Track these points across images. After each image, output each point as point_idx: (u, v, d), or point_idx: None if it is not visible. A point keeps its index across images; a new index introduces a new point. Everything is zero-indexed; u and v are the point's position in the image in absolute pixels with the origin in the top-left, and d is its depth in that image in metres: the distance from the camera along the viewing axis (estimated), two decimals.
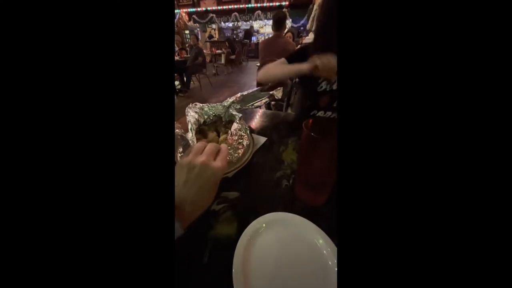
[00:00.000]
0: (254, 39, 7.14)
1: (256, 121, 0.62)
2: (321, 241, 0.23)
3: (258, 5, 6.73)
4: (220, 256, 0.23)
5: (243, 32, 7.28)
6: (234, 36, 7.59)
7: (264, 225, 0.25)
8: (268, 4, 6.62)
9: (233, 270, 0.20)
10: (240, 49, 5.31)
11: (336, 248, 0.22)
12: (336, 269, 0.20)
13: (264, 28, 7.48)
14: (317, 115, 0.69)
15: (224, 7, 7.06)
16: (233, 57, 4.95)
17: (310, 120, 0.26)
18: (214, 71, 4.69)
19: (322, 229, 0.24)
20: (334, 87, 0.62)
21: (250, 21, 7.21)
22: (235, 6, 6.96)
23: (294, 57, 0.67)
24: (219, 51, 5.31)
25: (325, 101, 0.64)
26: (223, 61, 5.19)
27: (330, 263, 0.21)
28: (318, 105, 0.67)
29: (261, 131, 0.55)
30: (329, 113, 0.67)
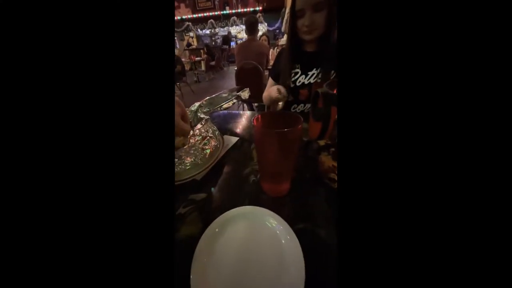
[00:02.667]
0: (232, 44, 7.22)
1: (231, 122, 0.63)
2: (279, 227, 0.24)
3: (233, 11, 6.85)
4: (185, 256, 0.23)
5: (221, 38, 7.32)
6: (213, 43, 7.60)
7: (217, 228, 0.25)
8: (242, 10, 6.77)
9: (191, 269, 0.21)
10: (220, 55, 5.34)
11: (293, 234, 0.23)
12: (288, 245, 0.22)
13: (241, 33, 7.61)
14: (297, 109, 0.72)
15: (200, 14, 7.08)
16: (213, 63, 4.96)
17: (259, 116, 0.28)
18: (195, 79, 4.64)
19: (283, 215, 0.25)
20: (312, 80, 0.65)
21: (227, 27, 7.29)
22: (210, 14, 7.02)
23: (273, 71, 0.77)
24: (198, 58, 5.29)
25: (304, 95, 0.67)
26: (203, 68, 5.16)
27: (283, 241, 0.22)
28: (298, 99, 0.70)
29: (236, 132, 0.56)
30: (308, 106, 0.70)
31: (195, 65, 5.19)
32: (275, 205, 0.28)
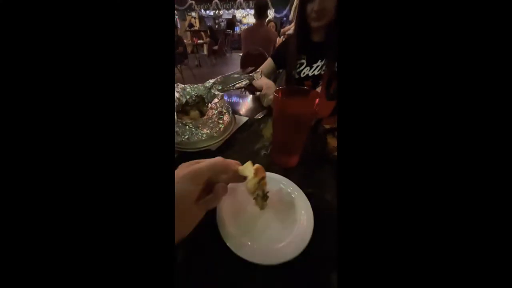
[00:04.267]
0: (237, 29, 6.93)
1: (240, 103, 0.65)
2: (291, 188, 0.28)
3: None
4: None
5: (225, 22, 7.00)
6: (216, 26, 7.27)
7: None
8: None
9: (216, 216, 0.24)
10: (223, 39, 5.14)
11: (302, 192, 0.26)
12: (299, 199, 0.25)
13: (247, 18, 7.29)
14: None
15: None
16: (215, 47, 4.78)
17: (280, 90, 0.30)
18: (196, 63, 4.50)
19: (294, 181, 0.29)
20: (316, 72, 0.65)
21: (232, 9, 6.94)
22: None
23: (276, 55, 0.75)
24: (200, 41, 5.08)
25: (308, 86, 0.68)
26: (205, 51, 4.98)
27: (296, 200, 0.26)
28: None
29: (244, 112, 0.58)
30: None
31: (197, 48, 5.00)
32: (286, 174, 0.32)
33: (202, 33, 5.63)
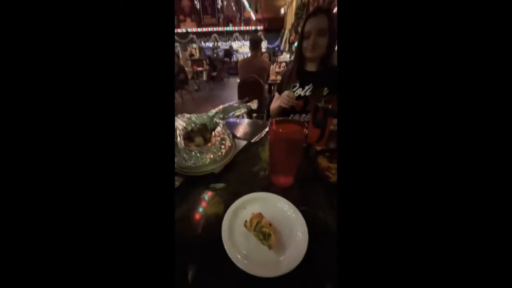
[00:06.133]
0: (233, 57, 7.60)
1: (239, 129, 0.71)
2: (286, 206, 0.31)
3: (236, 28, 7.28)
4: (211, 229, 0.29)
5: (222, 51, 7.71)
6: (215, 55, 7.97)
7: (243, 203, 0.32)
8: (245, 28, 7.22)
9: (222, 232, 0.27)
10: (221, 67, 5.60)
11: (297, 210, 0.30)
12: (295, 217, 0.28)
13: (242, 48, 8.05)
14: (294, 118, 0.82)
15: (204, 29, 7.47)
16: (214, 74, 5.18)
17: (273, 121, 0.36)
18: (196, 87, 4.79)
19: (289, 200, 0.32)
20: (307, 93, 0.77)
21: (229, 41, 7.71)
22: (215, 29, 7.43)
23: (279, 87, 0.91)
24: (200, 68, 5.50)
25: (300, 105, 0.78)
26: (205, 77, 5.35)
27: (292, 218, 0.29)
28: (295, 109, 0.81)
29: (243, 136, 0.63)
30: (303, 115, 0.82)
31: (197, 74, 5.38)
32: (282, 193, 0.35)
33: (203, 61, 6.14)
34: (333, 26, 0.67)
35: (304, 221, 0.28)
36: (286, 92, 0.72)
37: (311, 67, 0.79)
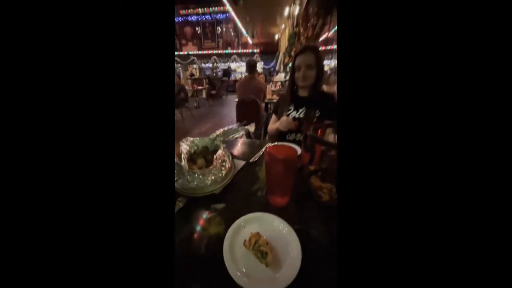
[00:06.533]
0: (232, 76, 8.06)
1: (238, 149, 0.76)
2: (281, 225, 0.34)
3: (234, 51, 7.84)
4: (213, 248, 0.32)
5: (221, 71, 8.18)
6: (214, 74, 8.44)
7: (242, 223, 0.35)
8: (242, 51, 7.78)
9: (223, 251, 0.29)
10: (220, 85, 5.91)
11: (291, 228, 0.33)
12: (289, 236, 0.31)
13: (240, 68, 8.57)
14: (290, 137, 0.89)
15: (204, 51, 8.03)
16: (213, 92, 5.44)
17: (269, 147, 0.41)
18: (195, 104, 4.97)
19: (284, 220, 0.36)
20: (301, 115, 0.87)
21: (228, 62, 8.23)
22: (214, 51, 7.99)
23: (275, 108, 1.03)
24: (200, 87, 5.77)
25: (296, 125, 0.87)
26: (204, 95, 5.60)
27: (287, 236, 0.32)
28: (291, 130, 0.88)
29: (241, 156, 0.68)
30: (299, 134, 0.91)
31: (196, 93, 5.63)
32: (278, 213, 0.38)
33: (203, 80, 6.47)
34: (319, 60, 0.81)
35: (298, 239, 0.31)
36: (284, 118, 0.83)
37: (303, 93, 0.92)
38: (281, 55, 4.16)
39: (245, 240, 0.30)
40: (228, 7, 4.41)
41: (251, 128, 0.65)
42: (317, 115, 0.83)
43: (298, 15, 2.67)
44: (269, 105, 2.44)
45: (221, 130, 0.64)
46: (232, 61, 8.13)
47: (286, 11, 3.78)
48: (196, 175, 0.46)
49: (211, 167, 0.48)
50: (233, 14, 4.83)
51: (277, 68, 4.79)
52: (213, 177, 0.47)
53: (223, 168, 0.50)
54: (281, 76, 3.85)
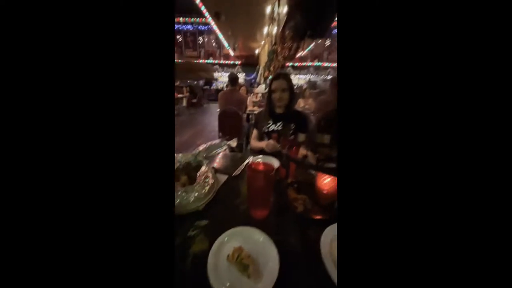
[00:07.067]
0: (213, 85, 8.07)
1: (220, 163, 0.78)
2: (262, 238, 0.38)
3: (216, 61, 7.95)
4: (198, 264, 0.33)
5: (203, 80, 8.15)
6: (195, 82, 8.34)
7: (226, 238, 0.37)
8: (224, 61, 7.95)
9: (207, 267, 0.31)
10: (201, 94, 5.86)
11: (271, 240, 0.37)
12: (267, 246, 0.35)
13: (221, 77, 8.68)
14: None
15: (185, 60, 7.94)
16: (194, 100, 5.36)
17: (251, 163, 0.45)
18: (176, 112, 4.80)
19: (265, 231, 0.39)
20: (279, 128, 1.00)
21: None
22: (195, 61, 7.96)
23: (256, 124, 1.13)
24: (180, 95, 5.62)
25: (275, 138, 0.96)
26: (184, 103, 5.46)
27: (266, 247, 0.36)
28: (274, 152, 0.97)
29: (224, 170, 0.70)
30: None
31: (177, 101, 5.46)
32: (259, 225, 0.42)
33: (183, 88, 6.32)
34: (290, 84, 0.99)
35: (276, 250, 0.35)
36: (271, 142, 0.92)
37: (279, 110, 1.06)
38: (261, 68, 4.40)
39: (228, 255, 0.33)
40: (210, 20, 4.54)
41: (233, 143, 0.69)
42: (292, 128, 0.98)
43: (276, 34, 2.91)
44: (250, 116, 2.53)
45: (204, 146, 0.66)
46: (214, 71, 8.20)
47: (265, 29, 4.07)
48: (179, 192, 0.47)
49: (194, 184, 0.49)
50: (215, 27, 4.97)
51: (257, 80, 5.02)
52: (196, 194, 0.48)
53: (206, 184, 0.52)
54: (261, 88, 4.04)
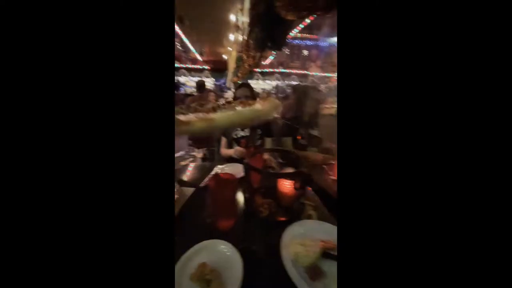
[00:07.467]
0: (181, 90, 7.64)
1: (187, 174, 0.75)
2: (226, 249, 0.39)
3: (183, 65, 7.60)
4: None
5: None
6: None
7: (190, 256, 0.37)
8: (192, 66, 7.66)
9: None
10: None
11: (235, 249, 0.38)
12: (232, 256, 0.36)
13: (189, 82, 8.31)
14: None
15: None
16: None
17: (217, 174, 0.46)
18: None
19: (231, 241, 0.40)
20: (246, 134, 1.04)
21: (176, 76, 7.80)
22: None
23: (224, 133, 1.12)
24: None
25: (243, 143, 1.01)
26: None
27: (231, 255, 0.37)
28: (240, 146, 1.03)
29: (191, 181, 0.68)
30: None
31: None
32: (225, 236, 0.43)
33: None
34: (253, 92, 1.10)
35: (240, 259, 0.36)
36: (239, 148, 0.98)
37: None
38: (230, 74, 4.43)
39: (191, 274, 0.33)
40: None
41: (199, 155, 0.68)
42: (259, 133, 1.04)
43: (241, 42, 2.98)
44: None
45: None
46: (181, 75, 7.79)
47: (232, 36, 4.14)
48: None
49: None
50: (179, 31, 4.76)
51: (227, 84, 5.02)
52: None
53: None
54: (231, 93, 4.05)
